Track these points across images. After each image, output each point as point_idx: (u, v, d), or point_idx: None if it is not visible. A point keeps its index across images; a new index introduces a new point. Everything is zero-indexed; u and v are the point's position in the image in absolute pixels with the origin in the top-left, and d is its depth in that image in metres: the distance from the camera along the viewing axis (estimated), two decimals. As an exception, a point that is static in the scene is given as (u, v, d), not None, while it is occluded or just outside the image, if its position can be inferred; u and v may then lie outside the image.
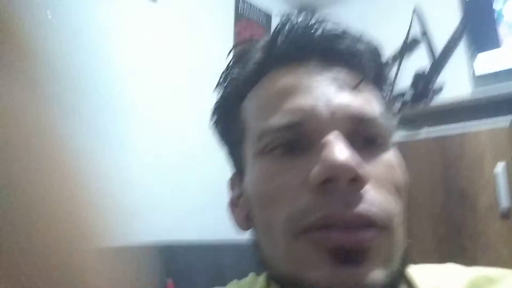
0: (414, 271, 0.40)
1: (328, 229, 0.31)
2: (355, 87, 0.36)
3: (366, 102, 0.36)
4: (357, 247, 0.31)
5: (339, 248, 0.30)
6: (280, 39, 0.38)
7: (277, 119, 0.35)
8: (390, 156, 0.36)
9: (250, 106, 0.39)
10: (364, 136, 0.35)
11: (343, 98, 0.35)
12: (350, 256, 0.30)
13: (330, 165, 0.31)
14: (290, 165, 0.34)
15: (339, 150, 0.31)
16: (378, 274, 0.31)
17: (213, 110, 0.43)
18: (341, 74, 0.37)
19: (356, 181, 0.31)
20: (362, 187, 0.32)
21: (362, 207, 0.31)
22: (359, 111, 0.35)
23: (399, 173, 0.36)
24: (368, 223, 0.31)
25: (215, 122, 0.43)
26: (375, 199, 0.32)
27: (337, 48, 0.37)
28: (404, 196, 0.35)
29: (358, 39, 0.38)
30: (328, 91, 0.35)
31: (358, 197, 0.31)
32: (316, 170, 0.31)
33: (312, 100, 0.35)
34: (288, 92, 0.36)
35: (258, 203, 0.36)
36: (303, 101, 0.35)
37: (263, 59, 0.39)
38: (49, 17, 0.18)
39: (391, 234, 0.32)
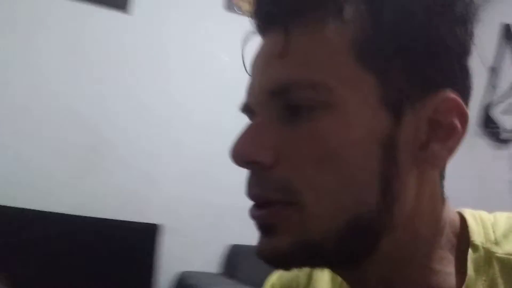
0: None
1: (252, 207, 0.35)
2: (281, 55, 0.34)
3: (289, 69, 0.34)
4: (264, 222, 0.35)
5: (257, 223, 0.35)
6: (254, 10, 0.37)
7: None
8: (315, 126, 0.33)
9: None
10: (289, 105, 0.34)
11: (266, 72, 0.35)
12: (265, 230, 0.35)
13: (230, 152, 0.34)
14: None
15: (239, 139, 0.34)
16: (284, 245, 0.33)
17: None
18: (274, 40, 0.35)
19: (256, 164, 0.33)
20: (265, 169, 0.33)
21: (259, 189, 0.34)
22: (277, 83, 0.34)
23: (325, 144, 0.33)
24: (268, 201, 0.34)
25: None
26: (279, 178, 0.33)
27: (270, 10, 0.36)
28: (336, 166, 0.32)
29: None
30: (258, 66, 0.36)
31: (260, 179, 0.34)
32: None
33: (250, 80, 0.37)
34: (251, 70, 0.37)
35: None
36: (249, 81, 0.37)
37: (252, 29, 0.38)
38: None
39: (301, 208, 0.33)
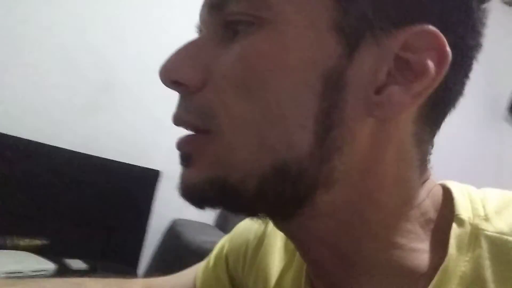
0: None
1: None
2: None
3: None
4: (181, 151, 0.31)
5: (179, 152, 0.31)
6: None
7: None
8: (245, 46, 0.28)
9: None
10: (227, 22, 0.30)
11: None
12: (182, 159, 0.31)
13: (159, 69, 0.30)
14: None
15: (170, 56, 0.30)
16: (195, 178, 0.30)
17: None
18: None
19: (180, 85, 0.30)
20: (191, 91, 0.30)
21: (182, 113, 0.31)
22: None
23: (252, 66, 0.28)
24: (189, 128, 0.31)
25: None
26: (202, 102, 0.29)
27: None
28: (260, 94, 0.28)
29: None
30: None
31: (185, 102, 0.31)
32: None
33: None
34: None
35: None
36: None
37: None
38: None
39: (217, 138, 0.29)
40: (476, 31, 0.30)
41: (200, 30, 0.33)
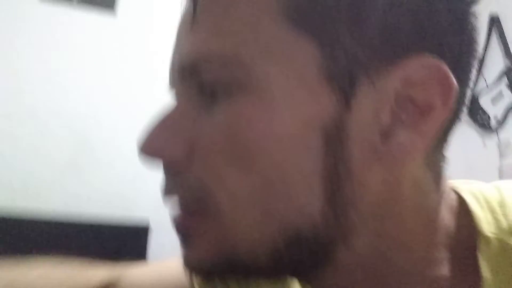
0: None
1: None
2: (191, 23, 0.26)
3: (199, 41, 0.26)
4: (179, 233, 0.28)
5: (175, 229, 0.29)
6: None
7: None
8: (231, 113, 0.25)
9: None
10: (203, 87, 0.26)
11: (178, 45, 0.28)
12: (182, 239, 0.28)
13: (138, 146, 0.27)
14: None
15: (148, 130, 0.27)
16: (203, 257, 0.27)
17: None
18: (188, 4, 0.28)
19: (166, 161, 0.27)
20: (177, 167, 0.27)
21: (168, 186, 0.28)
22: (186, 58, 0.27)
23: (242, 135, 0.25)
24: (181, 207, 0.27)
25: None
26: (192, 178, 0.26)
27: None
28: (257, 164, 0.25)
29: None
30: (176, 38, 0.29)
31: (173, 178, 0.27)
32: None
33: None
34: None
35: None
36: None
37: None
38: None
39: (218, 215, 0.26)
40: (472, 42, 0.28)
41: (173, 91, 0.30)
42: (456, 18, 0.26)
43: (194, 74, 0.26)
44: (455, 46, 0.26)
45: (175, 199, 0.28)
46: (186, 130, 0.27)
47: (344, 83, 0.25)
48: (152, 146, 0.27)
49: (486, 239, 0.27)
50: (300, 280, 0.32)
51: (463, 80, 0.27)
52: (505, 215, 0.28)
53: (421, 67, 0.25)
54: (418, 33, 0.25)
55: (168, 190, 0.28)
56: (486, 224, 0.28)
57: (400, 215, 0.27)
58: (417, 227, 0.28)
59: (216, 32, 0.26)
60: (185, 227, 0.28)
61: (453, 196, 0.30)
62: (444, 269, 0.28)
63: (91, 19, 1.72)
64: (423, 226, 0.28)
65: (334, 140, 0.25)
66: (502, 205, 0.29)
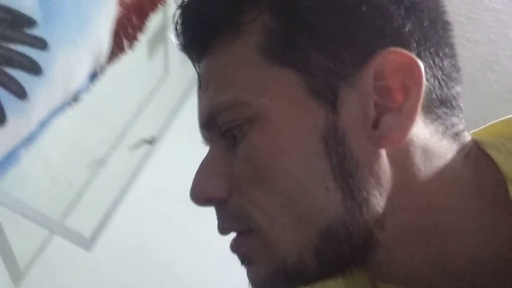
0: None
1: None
2: (202, 88, 0.35)
3: (209, 99, 0.33)
4: (238, 254, 0.34)
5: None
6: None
7: None
8: (247, 146, 0.31)
9: None
10: (223, 133, 0.33)
11: (198, 107, 0.35)
12: (242, 261, 0.34)
13: (190, 194, 0.34)
14: None
15: (194, 179, 0.34)
16: (261, 274, 0.33)
17: None
18: (201, 72, 0.36)
19: (212, 201, 0.34)
20: (222, 203, 0.33)
21: (223, 222, 0.34)
22: (204, 116, 0.34)
23: (260, 161, 0.31)
24: (237, 232, 0.34)
25: None
26: (235, 208, 0.33)
27: (190, 42, 0.35)
28: (278, 181, 0.30)
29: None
30: (197, 104, 0.36)
31: (222, 212, 0.34)
32: None
33: None
34: None
35: None
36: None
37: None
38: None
39: (261, 234, 0.32)
40: (433, 21, 0.32)
41: (206, 143, 0.37)
42: (405, 7, 0.31)
43: (213, 124, 0.33)
44: (414, 31, 0.30)
45: (222, 227, 0.34)
46: (222, 170, 0.33)
47: (327, 94, 0.30)
48: (200, 190, 0.34)
49: None
50: (360, 273, 0.35)
51: (434, 53, 0.31)
52: None
53: (388, 60, 0.29)
54: (376, 33, 0.30)
55: (222, 226, 0.34)
56: (511, 171, 0.30)
57: (424, 182, 0.30)
58: (445, 188, 0.31)
59: (220, 89, 0.33)
60: (237, 248, 0.34)
61: (475, 149, 0.33)
62: (489, 219, 0.30)
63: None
64: (453, 186, 0.31)
65: (333, 142, 0.30)
66: None
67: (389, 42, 0.30)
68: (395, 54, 0.29)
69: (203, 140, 0.37)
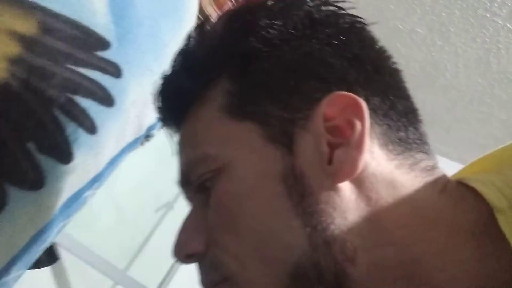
0: None
1: None
2: (180, 152, 0.38)
3: (184, 158, 0.37)
4: None
5: None
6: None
7: None
8: (215, 196, 0.33)
9: None
10: (197, 188, 0.35)
11: (178, 169, 0.37)
12: None
13: (171, 253, 0.35)
14: None
15: (175, 239, 0.35)
16: None
17: None
18: (179, 139, 0.38)
19: (193, 256, 0.34)
20: (201, 257, 0.34)
21: (204, 276, 0.34)
22: (180, 174, 0.37)
23: (226, 208, 0.32)
24: (214, 283, 0.33)
25: None
26: (211, 259, 0.33)
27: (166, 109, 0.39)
28: (244, 226, 0.31)
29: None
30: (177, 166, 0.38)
31: (203, 266, 0.34)
32: None
33: None
34: None
35: None
36: None
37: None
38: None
39: (233, 281, 0.32)
40: (370, 56, 0.34)
41: (188, 203, 0.38)
42: (347, 58, 0.33)
43: (188, 181, 0.36)
44: (358, 77, 0.33)
45: (203, 281, 0.35)
46: (198, 225, 0.34)
47: (283, 139, 0.32)
48: (179, 251, 0.35)
49: (501, 211, 0.28)
50: None
51: (384, 96, 0.33)
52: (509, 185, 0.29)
53: (332, 102, 0.32)
54: (321, 82, 0.33)
55: (205, 281, 0.34)
56: (497, 200, 0.29)
57: (396, 217, 0.30)
58: (418, 221, 0.30)
59: (191, 148, 0.35)
60: None
61: (456, 186, 0.32)
62: (474, 251, 0.29)
63: None
64: (424, 217, 0.30)
65: (292, 181, 0.31)
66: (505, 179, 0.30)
67: (334, 88, 0.32)
68: (339, 96, 0.31)
69: (187, 201, 0.38)
